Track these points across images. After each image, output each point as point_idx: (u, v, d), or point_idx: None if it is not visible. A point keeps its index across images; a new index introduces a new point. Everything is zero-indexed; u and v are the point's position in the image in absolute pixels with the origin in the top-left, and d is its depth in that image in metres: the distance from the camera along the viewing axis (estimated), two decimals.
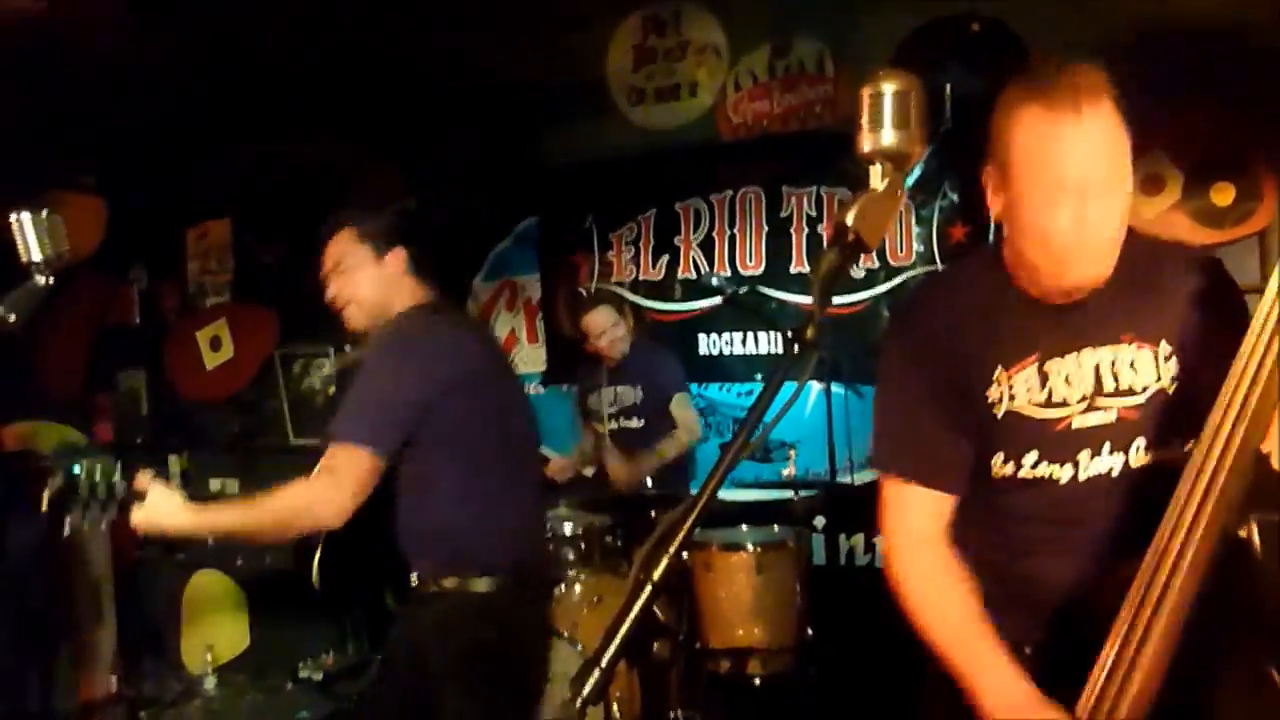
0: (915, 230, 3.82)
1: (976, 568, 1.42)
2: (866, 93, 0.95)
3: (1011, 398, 1.39)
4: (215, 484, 5.18)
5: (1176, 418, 1.32)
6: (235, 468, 5.14)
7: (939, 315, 1.46)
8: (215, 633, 5.01)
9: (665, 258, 4.34)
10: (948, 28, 3.72)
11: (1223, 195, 3.41)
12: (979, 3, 3.63)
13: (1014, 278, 1.39)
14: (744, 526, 3.39)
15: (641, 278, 4.39)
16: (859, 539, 4.00)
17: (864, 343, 3.81)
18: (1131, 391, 1.36)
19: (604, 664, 0.74)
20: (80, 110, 4.19)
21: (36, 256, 2.05)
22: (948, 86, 3.43)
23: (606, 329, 3.85)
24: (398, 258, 2.29)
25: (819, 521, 3.77)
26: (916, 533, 1.45)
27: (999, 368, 1.39)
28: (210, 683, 4.81)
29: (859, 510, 3.79)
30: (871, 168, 0.95)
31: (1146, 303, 1.36)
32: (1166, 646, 1.07)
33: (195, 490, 5.12)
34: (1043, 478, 1.40)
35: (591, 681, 0.73)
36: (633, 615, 0.75)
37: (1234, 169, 3.37)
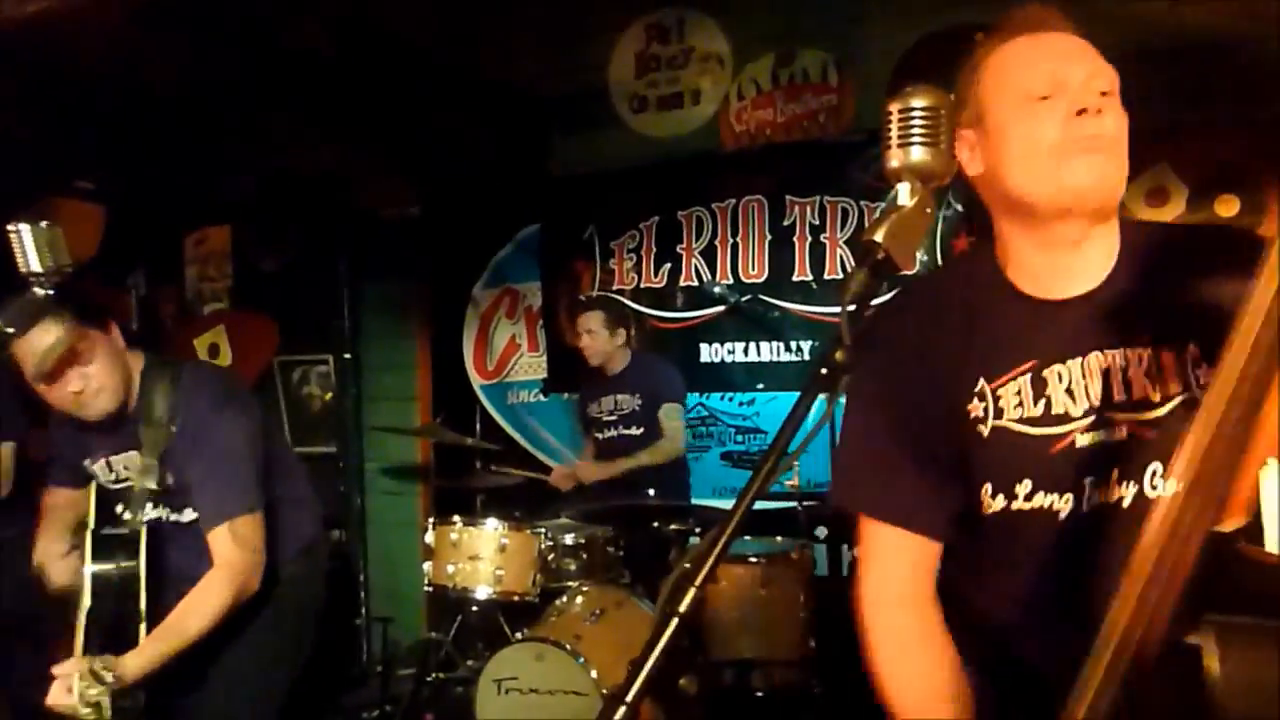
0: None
1: (961, 645, 1.24)
2: (895, 108, 0.90)
3: (999, 412, 1.19)
4: None
5: None
6: None
7: (913, 324, 1.26)
8: None
9: (667, 266, 4.32)
10: (951, 39, 3.71)
11: (1227, 208, 3.40)
12: (981, 13, 3.62)
13: (1006, 272, 1.22)
14: (747, 538, 3.38)
15: (643, 286, 4.37)
16: None
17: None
18: (1148, 403, 1.13)
19: (629, 700, 0.72)
20: (80, 115, 4.16)
21: (36, 267, 2.03)
22: (951, 97, 3.41)
23: (592, 328, 3.88)
24: (114, 326, 2.19)
25: (821, 532, 3.75)
26: (892, 587, 1.26)
27: (980, 379, 1.20)
28: None
29: None
30: (900, 185, 0.91)
31: (1169, 294, 1.13)
32: None
33: None
34: (1040, 509, 1.17)
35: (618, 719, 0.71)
36: (658, 649, 0.73)
37: (1238, 182, 3.36)
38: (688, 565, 0.76)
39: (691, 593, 0.74)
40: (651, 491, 3.64)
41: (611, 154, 4.41)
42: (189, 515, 2.17)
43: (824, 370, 0.83)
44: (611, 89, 4.40)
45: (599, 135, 4.43)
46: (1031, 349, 1.18)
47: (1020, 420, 1.18)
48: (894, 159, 0.90)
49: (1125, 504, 1.14)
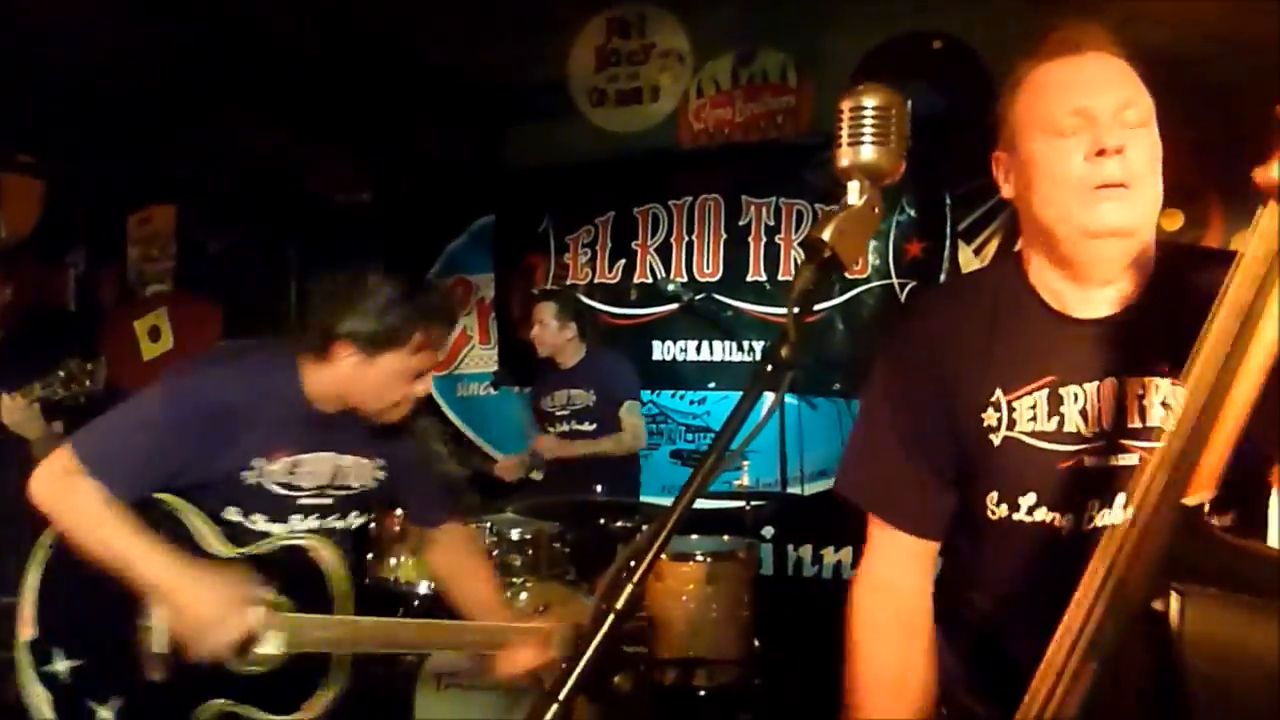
0: (872, 244, 3.83)
1: (955, 639, 1.28)
2: (847, 106, 0.89)
3: (1011, 423, 1.19)
4: None
5: None
6: None
7: (935, 328, 1.27)
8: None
9: (622, 262, 4.30)
10: (910, 44, 3.74)
11: (1172, 221, 3.47)
12: (941, 21, 3.66)
13: (1033, 286, 1.21)
14: (694, 536, 3.37)
15: (597, 281, 4.35)
16: (807, 549, 4.01)
17: (818, 355, 3.82)
18: (1161, 433, 1.11)
19: (562, 698, 0.70)
20: (21, 87, 4.03)
21: None
22: (908, 102, 3.44)
23: (543, 319, 3.86)
24: None
25: (767, 532, 3.76)
26: (881, 577, 1.29)
27: (998, 390, 1.20)
28: None
29: (808, 521, 3.80)
30: (849, 184, 0.89)
31: (1192, 328, 1.06)
32: None
33: None
34: (1041, 524, 1.18)
35: (549, 717, 0.69)
36: (594, 646, 0.71)
37: (1184, 197, 3.44)
38: (626, 561, 0.74)
39: (628, 589, 0.73)
40: (599, 487, 3.62)
41: (569, 147, 4.38)
42: None
43: (769, 367, 0.82)
44: (571, 82, 4.37)
45: (557, 128, 4.40)
46: (1051, 365, 1.18)
47: (1032, 434, 1.18)
48: (844, 157, 0.89)
49: None
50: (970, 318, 1.23)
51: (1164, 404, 1.13)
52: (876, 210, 0.92)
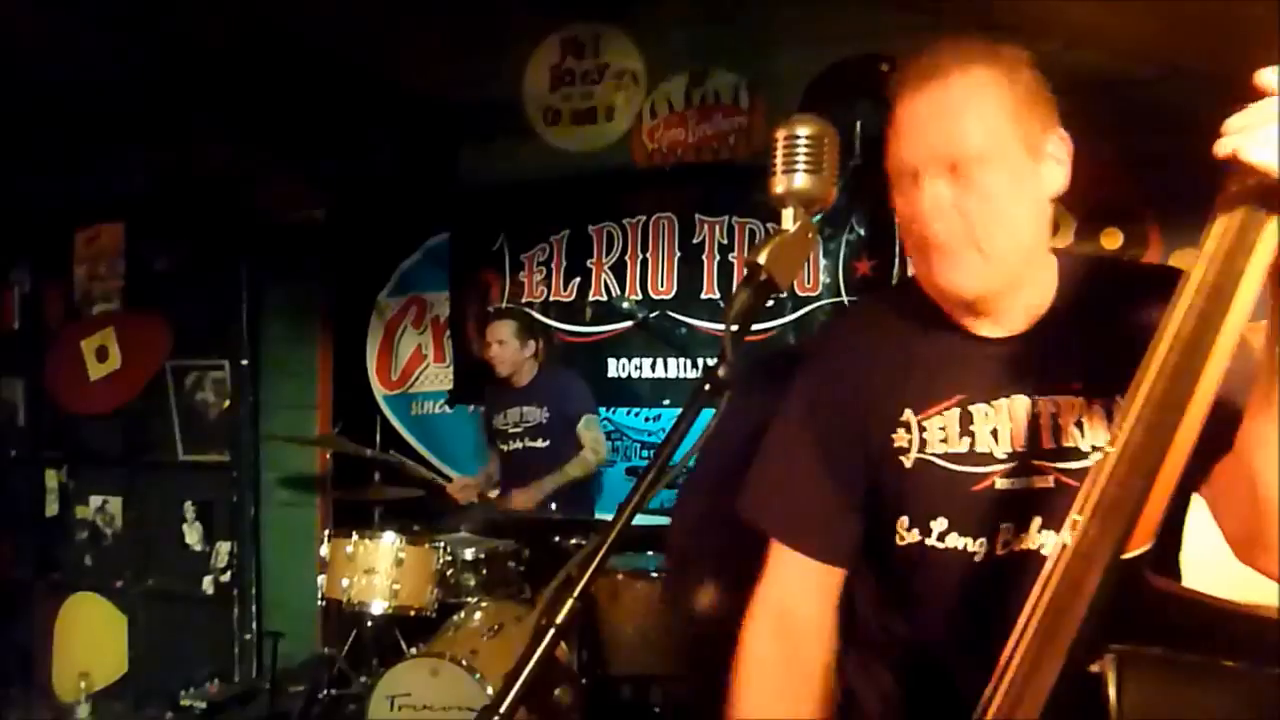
0: (823, 263, 3.89)
1: (870, 681, 1.23)
2: (781, 135, 0.92)
3: (922, 444, 1.16)
4: (97, 500, 4.94)
5: None
6: (119, 484, 4.90)
7: (847, 350, 1.23)
8: (90, 658, 4.76)
9: (577, 280, 4.32)
10: (857, 67, 3.81)
11: (1111, 240, 3.57)
12: (888, 45, 3.73)
13: (941, 304, 1.18)
14: (650, 553, 3.38)
15: (552, 299, 4.35)
16: None
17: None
18: (1076, 454, 1.10)
19: (503, 712, 0.71)
20: None
21: None
22: (858, 124, 3.51)
23: (503, 338, 3.87)
24: None
25: None
26: (781, 607, 1.22)
27: (908, 410, 1.16)
28: (84, 711, 4.57)
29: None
30: (784, 210, 0.93)
31: (1104, 343, 1.06)
32: None
33: (74, 506, 4.90)
34: (955, 550, 1.14)
35: None
36: (534, 661, 0.72)
37: (1123, 216, 3.53)
38: (566, 577, 0.75)
39: (568, 604, 0.74)
40: (554, 505, 3.62)
41: (524, 165, 4.39)
42: None
43: (707, 386, 0.84)
44: (526, 100, 4.39)
45: (512, 146, 4.40)
46: (960, 383, 1.15)
47: (944, 456, 1.14)
48: (779, 184, 0.92)
49: (1044, 551, 1.10)
50: (881, 337, 1.20)
51: (1078, 424, 1.10)
52: (810, 235, 0.95)
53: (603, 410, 4.12)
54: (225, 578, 4.67)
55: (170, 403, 4.78)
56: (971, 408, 1.14)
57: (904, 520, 1.17)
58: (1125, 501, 0.79)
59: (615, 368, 4.25)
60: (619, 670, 3.16)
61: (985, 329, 1.15)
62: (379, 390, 4.68)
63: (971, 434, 1.13)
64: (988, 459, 1.13)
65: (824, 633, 1.22)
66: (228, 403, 4.70)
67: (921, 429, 1.16)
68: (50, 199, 4.83)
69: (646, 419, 4.22)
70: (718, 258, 4.08)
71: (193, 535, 4.76)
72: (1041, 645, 0.80)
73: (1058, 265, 1.16)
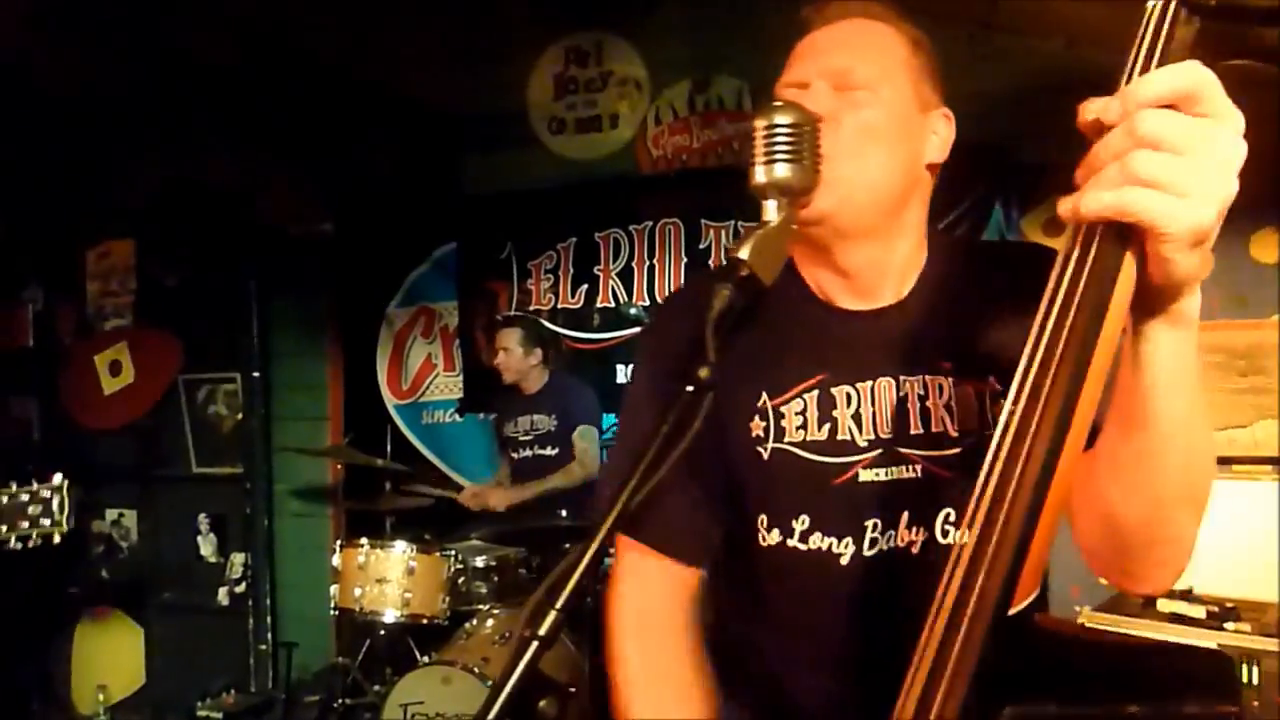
0: None
1: (736, 685, 1.15)
2: (760, 124, 0.88)
3: (779, 433, 1.06)
4: (112, 514, 4.97)
5: None
6: (134, 498, 4.94)
7: (697, 325, 1.13)
8: (108, 670, 4.80)
9: (584, 287, 4.33)
10: None
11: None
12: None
13: (802, 275, 1.09)
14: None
15: (560, 306, 4.37)
16: None
17: None
18: (945, 439, 1.02)
19: None
20: None
21: None
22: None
23: (508, 346, 3.88)
24: None
25: None
26: (641, 612, 1.13)
27: (764, 394, 1.07)
28: None
29: None
30: (765, 202, 0.88)
31: (975, 321, 1.01)
32: None
33: (90, 520, 4.94)
34: (819, 551, 1.04)
35: None
36: (517, 673, 0.72)
37: None
38: (549, 587, 0.75)
39: (551, 615, 0.74)
40: (564, 512, 3.63)
41: (530, 174, 4.41)
42: None
43: (689, 388, 0.83)
44: (530, 110, 4.41)
45: (518, 155, 4.43)
46: (821, 361, 1.06)
47: (802, 444, 1.05)
48: (759, 175, 0.87)
49: (915, 550, 1.02)
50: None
51: (948, 408, 1.02)
52: (794, 227, 0.90)
53: (611, 416, 4.13)
54: (240, 589, 4.69)
55: (183, 416, 4.82)
56: (833, 390, 1.05)
57: (764, 519, 1.07)
58: (1007, 546, 0.67)
59: (624, 374, 4.25)
60: None
61: (849, 301, 1.07)
62: (389, 400, 4.70)
63: (833, 419, 1.04)
64: (850, 447, 1.04)
65: (689, 636, 1.14)
66: (240, 415, 4.73)
67: (778, 415, 1.06)
68: (60, 217, 4.87)
69: None
70: (724, 262, 4.09)
71: (207, 547, 4.79)
72: (924, 714, 0.69)
73: (931, 241, 1.10)
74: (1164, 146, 0.65)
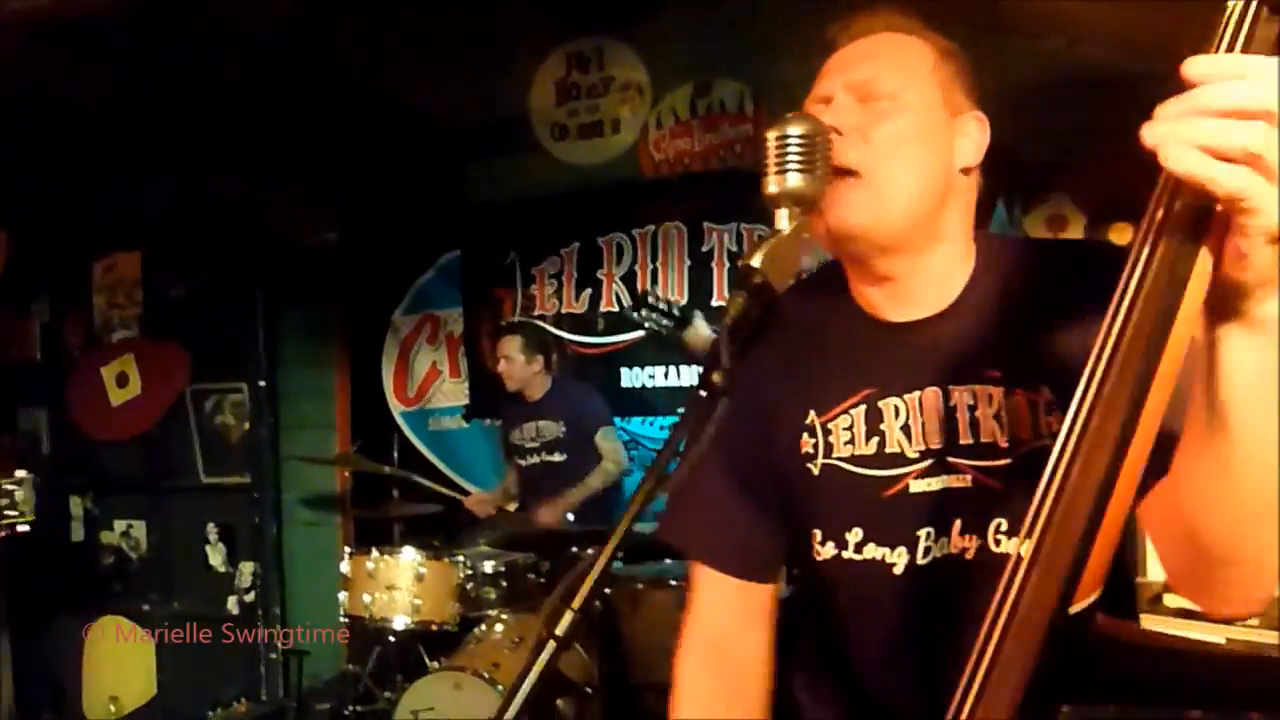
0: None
1: (816, 699, 1.16)
2: (772, 135, 0.89)
3: (828, 449, 1.07)
4: (121, 525, 4.99)
5: None
6: (143, 509, 4.95)
7: (754, 349, 1.09)
8: (119, 681, 4.81)
9: (588, 291, 4.34)
10: None
11: (1121, 236, 3.56)
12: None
13: (852, 291, 1.10)
14: (668, 560, 3.39)
15: (564, 311, 4.38)
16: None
17: None
18: (995, 450, 1.00)
19: None
20: None
21: None
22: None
23: (509, 354, 3.89)
24: None
25: None
26: (705, 632, 1.16)
27: (811, 412, 1.08)
28: None
29: None
30: (778, 211, 0.89)
31: (1027, 328, 1.00)
32: None
33: (99, 532, 4.96)
34: (873, 561, 1.05)
35: None
36: (534, 674, 0.74)
37: (1131, 211, 3.51)
38: (566, 588, 0.76)
39: (568, 616, 0.75)
40: (571, 517, 3.63)
41: (533, 181, 4.43)
42: None
43: (703, 393, 0.84)
44: (532, 116, 4.42)
45: (520, 162, 4.44)
46: (868, 376, 1.06)
47: (851, 459, 1.06)
48: (772, 185, 0.88)
49: (969, 555, 1.01)
50: (790, 333, 1.10)
51: (997, 417, 1.00)
52: (806, 236, 0.91)
53: (618, 420, 4.14)
54: (249, 598, 4.71)
55: (191, 427, 4.83)
56: (880, 403, 1.05)
57: (817, 534, 1.09)
58: (1067, 547, 0.67)
59: (629, 377, 4.26)
60: (640, 680, 3.16)
61: (894, 312, 1.07)
62: (396, 407, 4.72)
63: (881, 433, 1.05)
64: (899, 460, 1.04)
65: (760, 656, 1.17)
66: (247, 425, 4.75)
67: (826, 432, 1.07)
68: (67, 230, 4.89)
69: (662, 428, 4.23)
70: (727, 265, 4.10)
71: (216, 557, 4.80)
72: (982, 714, 0.70)
73: (979, 245, 1.08)
74: (1273, 120, 0.61)
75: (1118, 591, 1.06)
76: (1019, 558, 0.69)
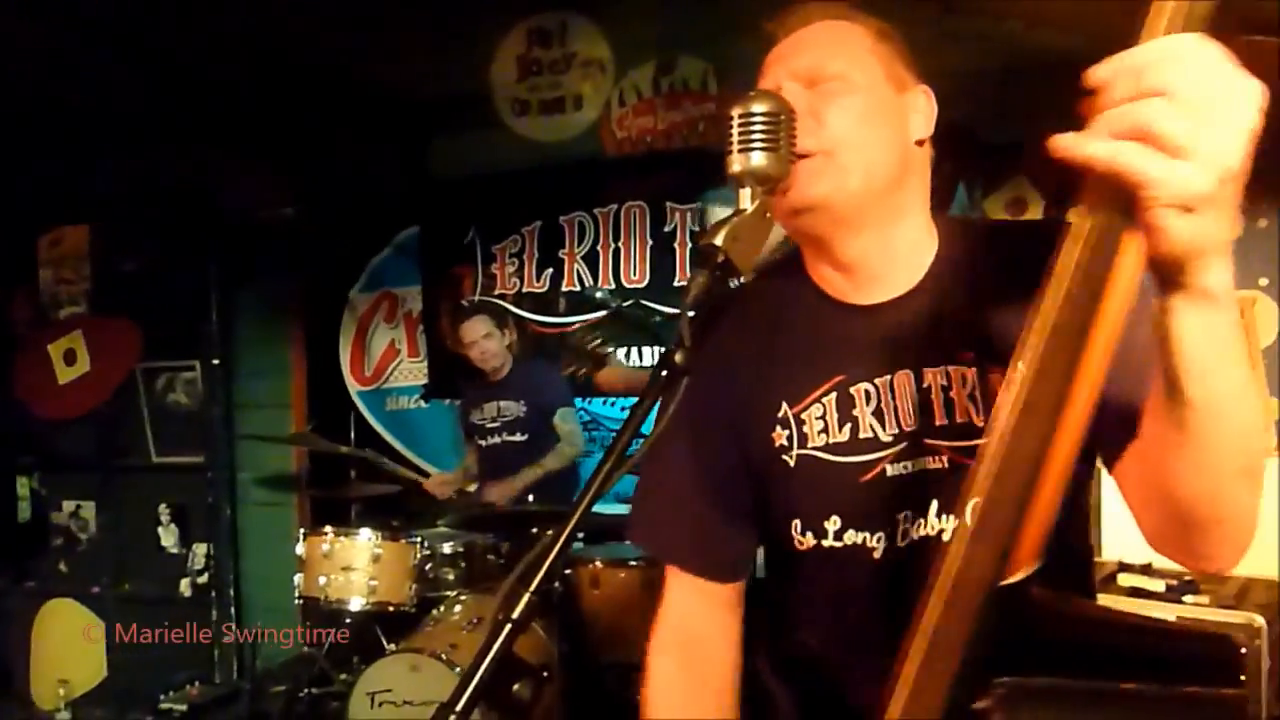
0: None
1: (787, 679, 1.17)
2: (736, 113, 0.88)
3: (802, 439, 1.07)
4: (70, 505, 4.88)
5: None
6: (92, 489, 4.85)
7: (715, 345, 1.11)
8: (69, 664, 4.72)
9: (549, 271, 4.30)
10: None
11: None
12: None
13: (811, 276, 1.10)
14: (628, 541, 3.38)
15: (525, 290, 4.34)
16: None
17: None
18: (972, 429, 1.01)
19: (459, 709, 0.71)
20: None
21: None
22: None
23: (478, 339, 3.86)
24: None
25: None
26: (683, 631, 1.17)
27: (784, 404, 1.08)
28: (64, 718, 4.54)
29: None
30: (740, 190, 0.88)
31: (994, 306, 1.00)
32: None
33: (48, 512, 4.85)
34: (852, 547, 1.05)
35: None
36: (490, 656, 0.72)
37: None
38: (523, 570, 0.75)
39: (525, 598, 0.73)
40: (531, 497, 3.62)
41: (493, 157, 4.36)
42: None
43: (664, 373, 0.82)
44: (494, 91, 4.36)
45: (480, 138, 4.38)
46: (837, 362, 1.06)
47: (825, 448, 1.06)
48: (735, 163, 0.88)
49: (946, 538, 1.01)
50: (752, 326, 1.11)
51: (972, 398, 1.01)
52: (768, 215, 0.90)
53: (579, 401, 4.12)
54: (202, 580, 4.64)
55: (141, 405, 4.74)
56: (852, 389, 1.05)
57: (796, 525, 1.09)
58: (1002, 517, 0.68)
59: None
60: (601, 659, 3.16)
61: (860, 295, 1.06)
62: (353, 386, 4.65)
63: (854, 419, 1.05)
64: (873, 444, 1.05)
65: (728, 649, 1.18)
66: (200, 403, 4.66)
67: (800, 422, 1.07)
68: (14, 202, 4.75)
69: (622, 408, 4.22)
70: (689, 245, 4.08)
71: (169, 538, 4.72)
72: (919, 683, 0.71)
73: (940, 226, 1.09)
74: (1172, 96, 0.61)
75: (1076, 570, 1.08)
76: (956, 528, 0.70)
